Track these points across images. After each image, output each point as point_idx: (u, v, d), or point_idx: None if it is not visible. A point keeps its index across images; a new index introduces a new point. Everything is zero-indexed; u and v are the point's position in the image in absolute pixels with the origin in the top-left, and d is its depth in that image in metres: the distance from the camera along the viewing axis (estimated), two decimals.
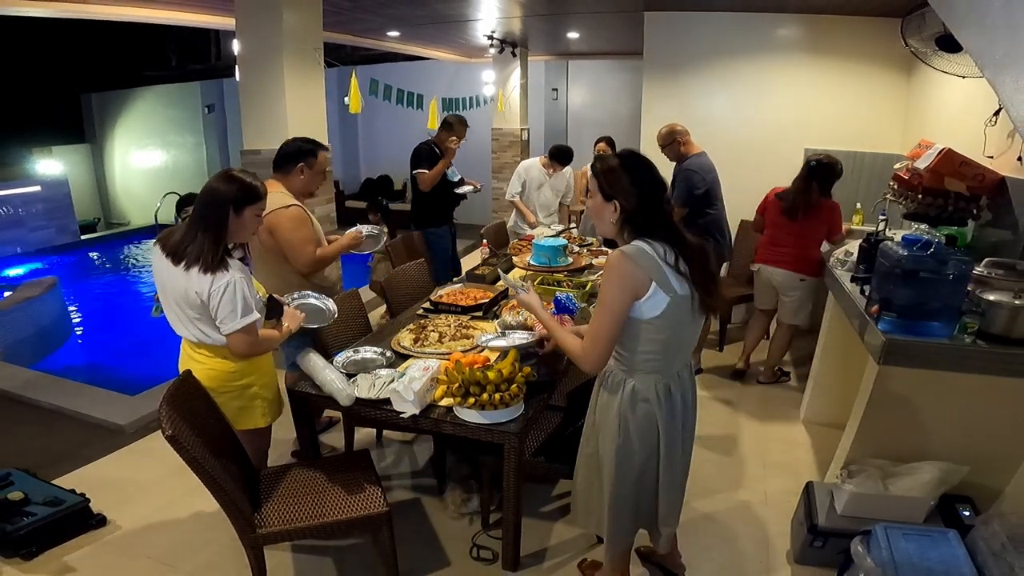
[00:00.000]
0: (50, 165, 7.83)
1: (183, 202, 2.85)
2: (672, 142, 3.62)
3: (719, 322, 4.18)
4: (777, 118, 4.37)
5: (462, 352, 2.25)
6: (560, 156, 4.57)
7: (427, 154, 4.04)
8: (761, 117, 4.40)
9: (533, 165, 4.68)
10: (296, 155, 2.52)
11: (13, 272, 6.09)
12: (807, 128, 4.27)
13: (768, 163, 4.20)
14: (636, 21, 4.63)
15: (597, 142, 4.84)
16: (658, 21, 4.50)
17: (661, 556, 2.12)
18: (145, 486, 2.64)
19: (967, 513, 2.02)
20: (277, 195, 2.41)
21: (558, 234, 3.97)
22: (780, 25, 4.29)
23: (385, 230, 2.82)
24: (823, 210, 3.21)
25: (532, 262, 3.54)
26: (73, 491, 2.39)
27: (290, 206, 2.45)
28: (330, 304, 2.32)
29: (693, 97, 4.50)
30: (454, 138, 4.00)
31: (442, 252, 4.21)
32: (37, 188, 6.93)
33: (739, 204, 4.11)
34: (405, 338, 2.43)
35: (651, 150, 4.43)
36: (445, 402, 1.97)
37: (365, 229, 2.75)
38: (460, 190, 4.21)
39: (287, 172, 2.52)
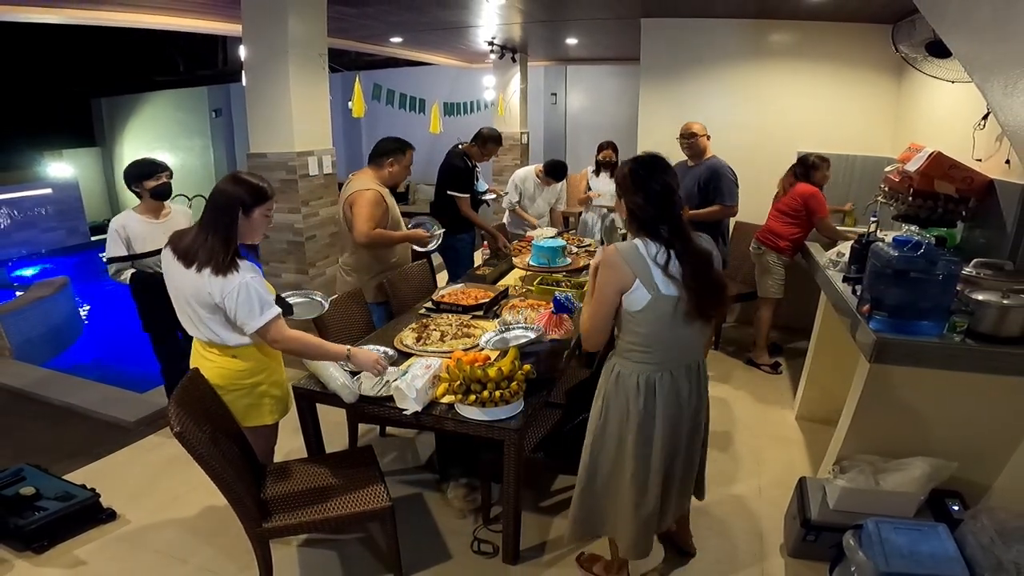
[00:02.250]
0: (60, 168, 7.81)
1: (138, 173, 2.68)
2: (697, 137, 3.62)
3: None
4: (771, 122, 4.35)
5: (463, 350, 2.24)
6: (555, 172, 4.53)
7: (463, 173, 4.03)
8: (756, 121, 4.37)
9: (529, 177, 4.63)
10: (389, 152, 2.99)
11: (25, 272, 6.09)
12: (800, 132, 4.26)
13: (763, 166, 4.20)
14: (633, 27, 4.62)
15: (602, 148, 4.78)
16: (655, 27, 4.49)
17: (672, 533, 2.17)
18: (153, 481, 2.65)
19: (956, 508, 2.01)
20: (365, 180, 2.94)
21: (558, 235, 3.97)
22: (774, 31, 4.27)
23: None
24: (798, 192, 3.53)
25: (532, 263, 3.54)
26: (83, 486, 2.39)
27: (369, 189, 2.87)
28: (317, 297, 2.37)
29: (689, 101, 4.47)
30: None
31: (467, 257, 4.19)
32: (48, 190, 6.92)
33: None
34: (407, 336, 2.43)
35: (650, 149, 4.43)
36: (447, 399, 1.97)
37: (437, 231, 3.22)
38: (485, 197, 4.31)
39: (380, 165, 2.99)
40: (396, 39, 5.90)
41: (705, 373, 1.87)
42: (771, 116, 4.35)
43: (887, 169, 2.89)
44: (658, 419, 1.73)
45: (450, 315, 2.71)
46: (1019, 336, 1.87)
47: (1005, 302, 1.87)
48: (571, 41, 6.15)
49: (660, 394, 1.71)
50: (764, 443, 2.99)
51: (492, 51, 6.07)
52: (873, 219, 2.51)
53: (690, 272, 1.61)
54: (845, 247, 2.63)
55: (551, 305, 2.51)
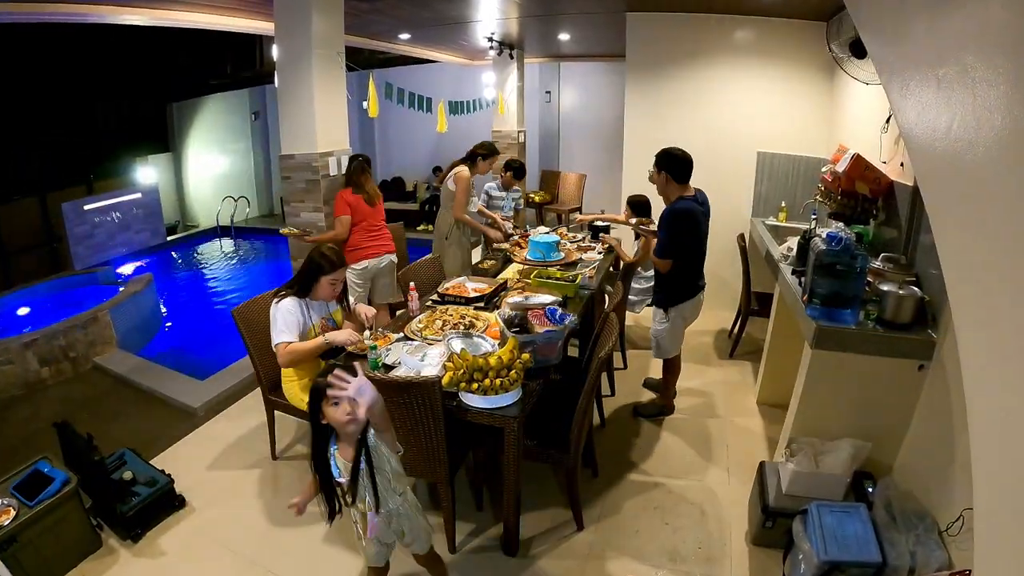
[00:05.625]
0: (147, 173, 7.91)
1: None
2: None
3: None
4: (733, 122, 4.03)
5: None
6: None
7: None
8: (723, 121, 4.06)
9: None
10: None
11: (123, 270, 6.31)
12: (759, 132, 3.96)
13: (729, 166, 3.96)
14: (620, 22, 4.26)
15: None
16: (639, 22, 4.13)
17: None
18: (214, 467, 2.64)
19: (871, 489, 1.96)
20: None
21: (552, 231, 3.85)
22: (748, 27, 3.88)
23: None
24: None
25: (529, 257, 3.47)
26: (163, 471, 2.34)
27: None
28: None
29: (674, 98, 4.15)
30: None
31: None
32: (139, 195, 7.05)
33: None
34: (414, 325, 2.44)
35: (636, 149, 4.20)
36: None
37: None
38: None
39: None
40: (404, 35, 5.56)
41: None
42: (733, 116, 4.03)
43: (823, 170, 2.72)
44: None
45: (454, 306, 2.68)
46: (910, 322, 1.89)
47: (900, 292, 1.87)
48: (563, 37, 5.73)
49: None
50: (730, 428, 2.90)
51: (491, 47, 5.71)
52: (813, 216, 2.42)
53: None
54: (794, 242, 2.52)
55: (543, 311, 2.45)
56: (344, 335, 2.23)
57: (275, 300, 2.26)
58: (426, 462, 1.96)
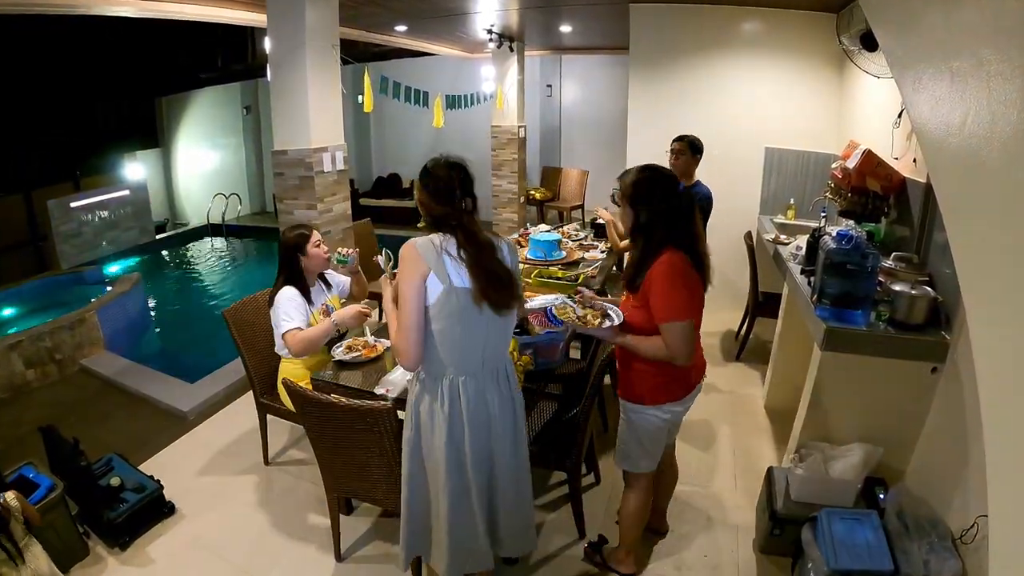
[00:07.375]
0: (135, 170, 7.89)
1: None
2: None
3: None
4: (740, 117, 4.01)
5: None
6: None
7: None
8: (729, 116, 4.04)
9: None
10: None
11: (112, 269, 6.30)
12: (767, 128, 3.95)
13: (733, 161, 3.94)
14: (623, 13, 4.26)
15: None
16: (643, 13, 4.13)
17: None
18: (204, 473, 2.62)
19: (882, 496, 1.95)
20: None
21: (554, 229, 3.85)
22: (759, 18, 3.87)
23: None
24: None
25: (529, 256, 3.46)
26: (151, 477, 2.34)
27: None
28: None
29: (676, 91, 4.13)
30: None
31: None
32: (126, 192, 7.04)
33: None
34: None
35: (640, 145, 4.19)
36: None
37: None
38: None
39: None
40: (400, 27, 5.53)
41: (514, 379, 1.63)
42: (741, 110, 4.00)
43: (833, 166, 2.72)
44: (469, 424, 1.51)
45: None
46: (923, 323, 1.88)
47: (913, 292, 1.87)
48: (565, 29, 5.72)
49: (469, 398, 1.51)
50: (737, 433, 2.90)
51: (491, 39, 5.70)
52: (823, 214, 2.42)
53: (474, 262, 1.44)
54: (803, 240, 2.52)
55: (543, 314, 2.44)
56: (351, 313, 2.17)
57: (268, 305, 2.29)
58: (387, 489, 1.85)
